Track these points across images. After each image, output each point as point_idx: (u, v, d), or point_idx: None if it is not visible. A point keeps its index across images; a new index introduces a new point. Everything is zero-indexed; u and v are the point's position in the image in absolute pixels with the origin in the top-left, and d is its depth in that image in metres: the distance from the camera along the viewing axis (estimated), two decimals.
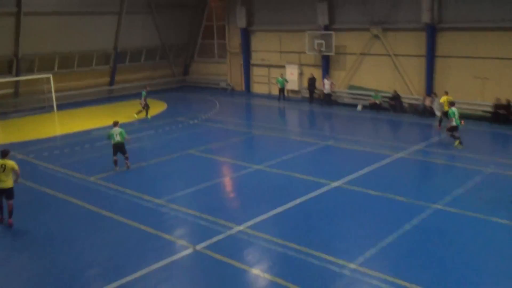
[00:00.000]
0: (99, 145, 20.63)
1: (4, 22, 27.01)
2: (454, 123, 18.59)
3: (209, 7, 36.42)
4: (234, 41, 34.49)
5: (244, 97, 32.93)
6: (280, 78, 30.61)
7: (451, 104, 19.63)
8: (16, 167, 12.84)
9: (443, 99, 21.68)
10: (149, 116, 25.92)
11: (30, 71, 29.51)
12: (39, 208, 13.96)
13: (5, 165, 12.73)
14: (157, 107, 29.34)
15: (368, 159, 17.64)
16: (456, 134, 18.76)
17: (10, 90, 28.50)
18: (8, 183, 12.75)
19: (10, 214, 12.83)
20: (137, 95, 32.06)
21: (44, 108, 29.05)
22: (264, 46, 32.77)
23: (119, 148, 17.00)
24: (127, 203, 14.03)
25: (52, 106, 28.82)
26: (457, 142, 18.70)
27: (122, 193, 14.72)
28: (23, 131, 23.99)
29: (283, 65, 31.68)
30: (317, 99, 29.68)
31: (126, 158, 17.17)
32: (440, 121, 21.95)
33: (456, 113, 18.63)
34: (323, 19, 28.61)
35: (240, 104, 30.86)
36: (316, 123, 25.19)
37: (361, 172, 16.11)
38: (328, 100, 28.20)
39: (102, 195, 14.74)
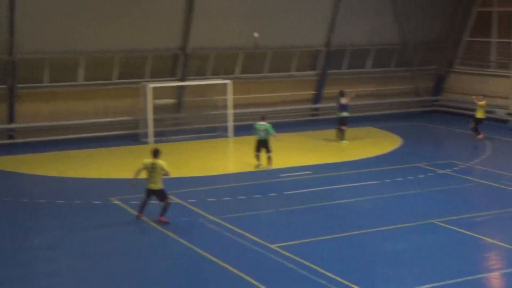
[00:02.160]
0: (289, 195, 21.51)
1: (175, 1, 30.29)
2: None
3: None
4: None
5: None
6: None
7: None
8: (166, 168, 18.24)
9: None
10: (345, 139, 29.37)
11: (200, 74, 32.42)
12: (194, 280, 15.01)
13: (155, 165, 18.22)
14: (386, 143, 29.67)
15: None
16: None
17: (171, 101, 31.64)
18: (158, 184, 18.32)
19: (164, 211, 18.37)
20: (351, 121, 32.99)
21: (215, 130, 31.49)
22: None
23: (263, 144, 24.74)
24: None
25: (226, 129, 31.16)
26: None
27: (318, 275, 14.97)
28: (182, 162, 26.28)
29: None
30: None
31: (269, 158, 24.77)
32: None
33: None
34: None
35: None
36: None
37: None
38: None
39: (287, 273, 15.14)
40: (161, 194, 18.46)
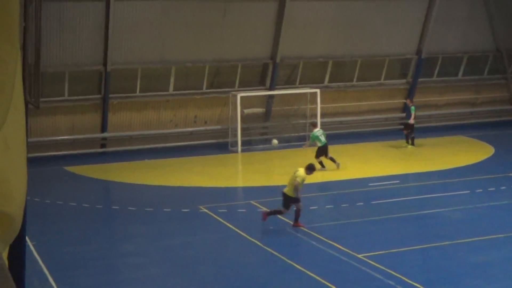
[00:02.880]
0: (376, 204, 21.36)
1: (265, 11, 30.62)
2: None
3: None
4: None
5: None
6: None
7: None
8: (299, 182, 18.28)
9: None
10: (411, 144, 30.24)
11: (290, 83, 32.59)
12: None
13: (296, 172, 18.50)
14: (478, 152, 29.14)
15: None
16: None
17: (259, 110, 31.90)
18: (289, 191, 18.47)
19: (296, 215, 18.76)
20: (442, 130, 32.74)
21: (303, 139, 31.51)
22: None
23: (325, 150, 25.77)
24: None
25: None
26: None
27: (405, 285, 14.77)
28: (270, 171, 26.50)
29: None
30: None
31: (331, 159, 25.93)
32: None
33: None
34: None
35: None
36: None
37: None
38: None
39: (374, 284, 15.02)
40: (286, 199, 18.67)
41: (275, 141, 27.97)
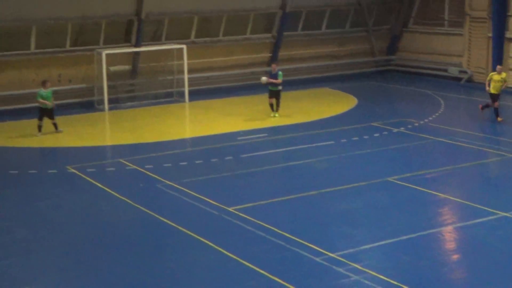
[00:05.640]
0: (246, 157, 21.65)
1: None
2: None
3: None
4: None
5: None
6: None
7: None
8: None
9: None
10: (277, 113, 27.42)
11: (156, 39, 32.21)
12: (153, 245, 15.08)
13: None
14: (342, 104, 29.92)
15: None
16: None
17: (126, 67, 31.42)
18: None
19: None
20: (307, 83, 33.28)
21: (170, 96, 31.41)
22: None
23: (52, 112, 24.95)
24: (282, 252, 14.40)
25: (183, 94, 31.08)
26: None
27: (276, 235, 15.15)
28: (138, 128, 26.20)
29: None
30: None
31: (54, 124, 25.13)
32: None
33: None
34: None
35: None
36: None
37: None
38: None
39: (245, 235, 15.31)
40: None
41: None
